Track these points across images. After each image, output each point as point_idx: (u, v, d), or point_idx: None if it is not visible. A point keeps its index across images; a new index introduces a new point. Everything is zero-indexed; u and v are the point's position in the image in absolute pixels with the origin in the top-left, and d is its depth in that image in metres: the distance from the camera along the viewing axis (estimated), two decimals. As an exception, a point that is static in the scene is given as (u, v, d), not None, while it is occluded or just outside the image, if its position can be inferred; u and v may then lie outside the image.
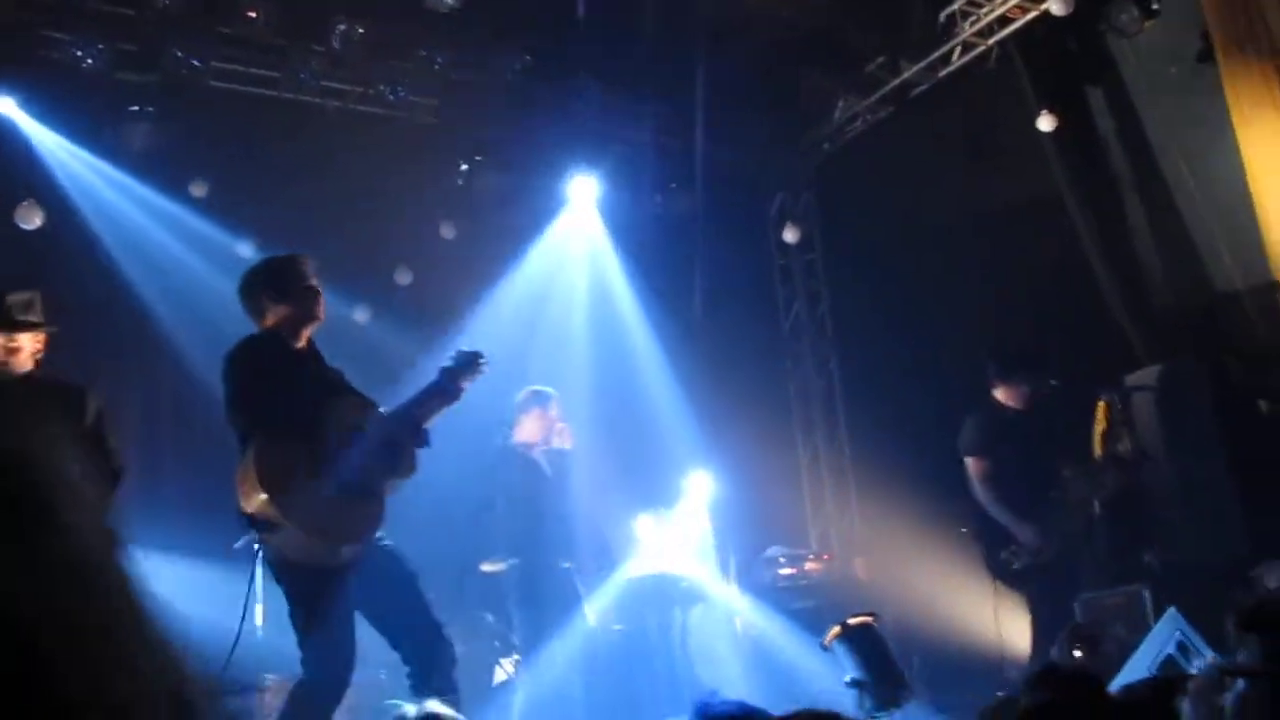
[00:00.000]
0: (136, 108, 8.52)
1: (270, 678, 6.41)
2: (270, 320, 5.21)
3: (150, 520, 6.78)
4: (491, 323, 9.30)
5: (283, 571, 4.92)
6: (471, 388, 5.40)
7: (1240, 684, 1.78)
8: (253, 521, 4.75)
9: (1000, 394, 7.76)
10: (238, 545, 7.17)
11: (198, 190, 8.77)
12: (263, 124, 9.03)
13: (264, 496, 4.70)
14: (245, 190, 8.87)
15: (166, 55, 8.34)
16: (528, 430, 7.43)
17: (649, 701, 7.38)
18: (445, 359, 5.42)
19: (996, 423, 7.68)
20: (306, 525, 4.76)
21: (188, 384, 8.51)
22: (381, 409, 5.22)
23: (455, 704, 4.90)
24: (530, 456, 7.35)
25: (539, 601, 7.04)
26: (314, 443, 4.86)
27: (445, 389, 5.30)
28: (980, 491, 7.54)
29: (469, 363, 5.38)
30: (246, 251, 8.95)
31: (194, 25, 8.42)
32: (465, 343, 5.79)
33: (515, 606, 7.23)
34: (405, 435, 5.16)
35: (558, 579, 7.10)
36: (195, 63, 8.42)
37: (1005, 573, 7.48)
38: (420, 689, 4.86)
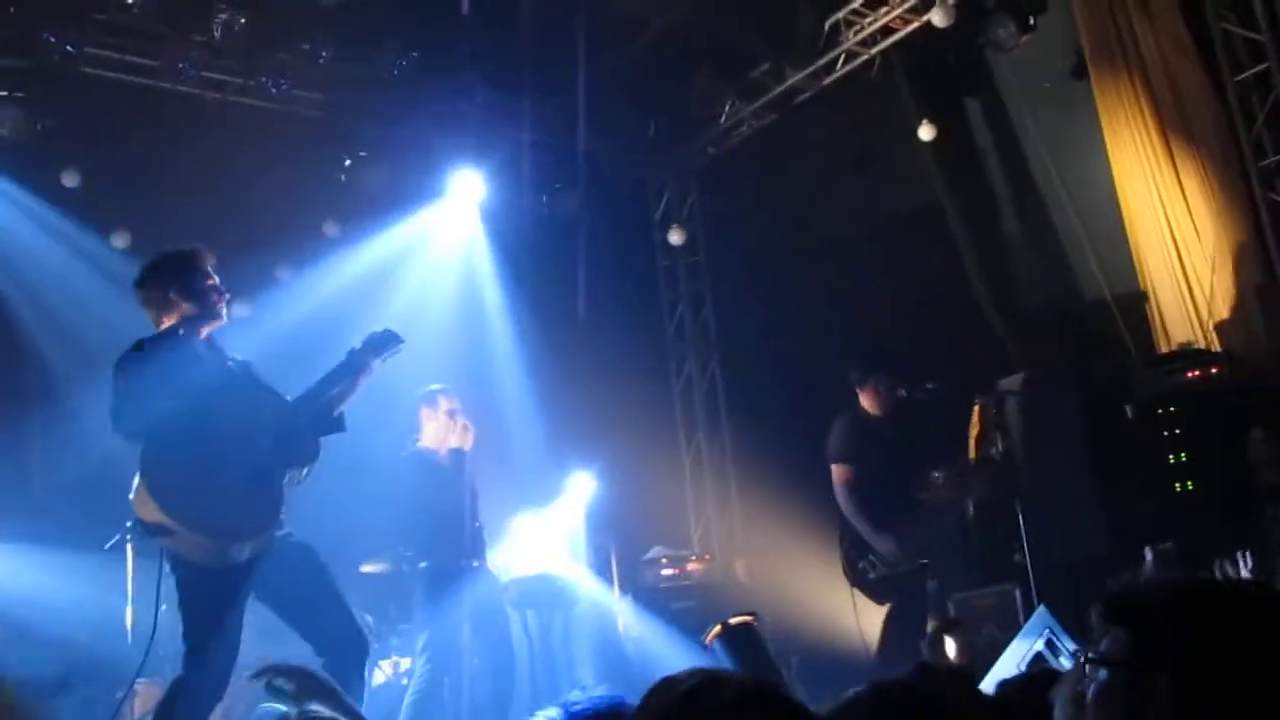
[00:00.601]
0: (5, 93, 8.25)
1: (140, 682, 6.25)
2: (170, 317, 5.04)
3: (14, 515, 6.59)
4: (361, 317, 9.16)
5: (176, 568, 4.81)
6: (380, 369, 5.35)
7: (1102, 674, 1.82)
8: (147, 527, 4.67)
9: (863, 400, 7.85)
10: (108, 546, 7.01)
11: (69, 180, 8.51)
12: (139, 114, 8.80)
13: (154, 503, 4.62)
14: (120, 182, 8.63)
15: (38, 40, 8.09)
16: (427, 432, 7.34)
17: (527, 702, 7.35)
18: (356, 340, 5.32)
19: (860, 429, 7.75)
20: (198, 527, 4.67)
21: (53, 384, 8.29)
22: (283, 397, 5.13)
23: (361, 699, 4.85)
24: (431, 459, 7.25)
25: (441, 602, 6.94)
26: (203, 443, 4.75)
27: (355, 368, 5.22)
28: (841, 499, 7.60)
29: (382, 345, 5.31)
30: (120, 245, 8.75)
31: (68, 9, 8.19)
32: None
33: (419, 609, 7.12)
34: (308, 422, 5.07)
35: (464, 579, 7.01)
36: (69, 48, 8.18)
37: (863, 581, 7.56)
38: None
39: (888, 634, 7.44)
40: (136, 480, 4.69)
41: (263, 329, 8.37)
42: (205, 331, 5.10)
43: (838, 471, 7.62)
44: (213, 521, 4.71)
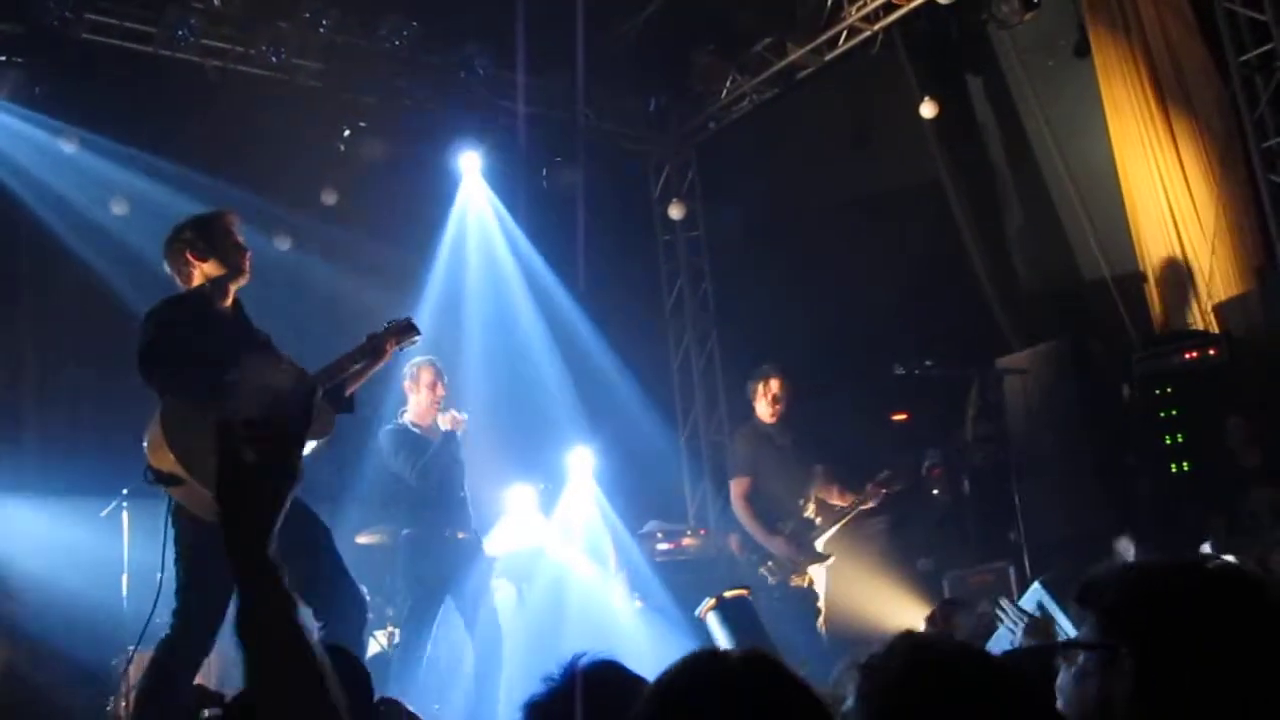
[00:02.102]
0: (4, 58, 8.18)
1: (132, 649, 6.25)
2: (196, 277, 5.17)
3: (11, 466, 6.59)
4: (376, 292, 9.19)
5: (178, 522, 4.83)
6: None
7: (1079, 657, 1.85)
8: (159, 476, 4.72)
9: (758, 410, 7.95)
10: (104, 513, 7.01)
11: (68, 145, 8.46)
12: (138, 81, 8.73)
13: (169, 452, 4.68)
14: (118, 148, 8.58)
15: (36, 4, 8.01)
16: (410, 405, 7.34)
17: (521, 674, 7.35)
18: (376, 327, 5.47)
19: (758, 440, 7.87)
20: (209, 480, 4.67)
21: (55, 336, 8.28)
22: (302, 368, 5.19)
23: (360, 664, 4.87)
24: (412, 433, 7.25)
25: (423, 574, 6.97)
26: (222, 399, 4.75)
27: (371, 354, 5.36)
28: (738, 510, 7.75)
29: (401, 332, 5.49)
30: (118, 211, 8.71)
31: (67, -27, 8.11)
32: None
33: (401, 578, 7.17)
34: (324, 397, 5.14)
35: (455, 555, 7.03)
36: (67, 14, 8.11)
37: (764, 586, 7.61)
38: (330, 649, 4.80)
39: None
40: (153, 428, 4.73)
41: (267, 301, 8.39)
42: (232, 290, 5.21)
43: (736, 484, 7.84)
44: None
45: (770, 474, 7.73)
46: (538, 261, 10.29)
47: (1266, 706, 1.70)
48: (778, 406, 7.85)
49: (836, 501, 7.95)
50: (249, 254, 5.25)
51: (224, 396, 4.78)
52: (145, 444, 4.80)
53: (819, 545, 7.72)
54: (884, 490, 7.79)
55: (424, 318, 9.05)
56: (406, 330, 5.54)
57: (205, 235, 5.19)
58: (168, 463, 4.69)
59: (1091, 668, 1.81)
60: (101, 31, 8.49)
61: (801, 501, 7.80)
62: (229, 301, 5.21)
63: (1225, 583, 1.83)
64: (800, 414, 8.35)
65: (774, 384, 7.85)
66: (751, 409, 7.99)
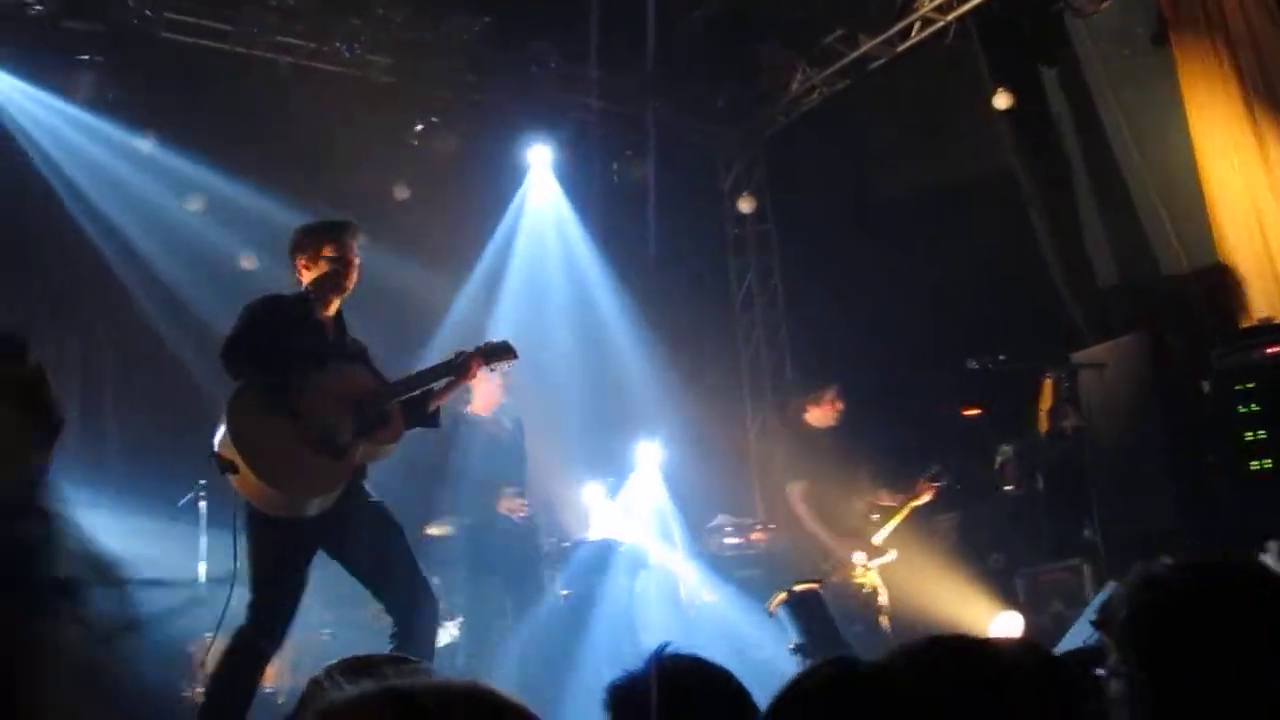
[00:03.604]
0: (85, 56, 8.34)
1: (208, 635, 6.36)
2: (305, 279, 5.32)
3: (92, 471, 6.70)
4: (449, 289, 9.31)
5: (243, 514, 4.95)
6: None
7: (1112, 685, 1.82)
8: (218, 460, 4.88)
9: (810, 415, 7.97)
10: (181, 502, 7.14)
11: (145, 144, 8.61)
12: (214, 78, 8.86)
13: (229, 437, 4.85)
14: (194, 145, 8.70)
15: (116, 4, 8.17)
16: (475, 396, 7.41)
17: (591, 667, 7.39)
18: (475, 346, 5.58)
19: (807, 446, 7.90)
20: (264, 472, 4.85)
21: (130, 337, 8.43)
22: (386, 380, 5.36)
23: (430, 660, 4.97)
24: (472, 423, 7.34)
25: (486, 565, 7.05)
26: (293, 397, 4.95)
27: (459, 369, 5.46)
28: (798, 515, 7.75)
29: (495, 354, 5.60)
30: (195, 208, 8.85)
31: (145, -27, 8.25)
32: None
33: (463, 569, 7.25)
34: (400, 409, 5.27)
35: (510, 544, 7.10)
36: (146, 12, 8.26)
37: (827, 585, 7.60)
38: (402, 646, 4.88)
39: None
40: (223, 414, 4.93)
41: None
42: (334, 301, 5.35)
43: (791, 490, 7.84)
44: (277, 473, 4.88)
45: (824, 476, 7.77)
46: (606, 256, 10.30)
47: None
48: (838, 416, 7.93)
49: (887, 501, 7.96)
50: (354, 271, 5.36)
51: (286, 399, 4.95)
52: (218, 432, 4.94)
53: (878, 542, 7.73)
54: (934, 485, 7.78)
55: (500, 316, 9.22)
56: (500, 352, 5.62)
57: (317, 243, 5.33)
58: (229, 451, 4.85)
59: (1119, 695, 1.78)
60: (179, 30, 8.63)
61: (857, 502, 7.80)
62: (329, 311, 5.34)
63: (1243, 590, 1.77)
64: (873, 409, 8.33)
65: (841, 394, 8.01)
66: (799, 414, 8.04)
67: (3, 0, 7.90)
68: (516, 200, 10.27)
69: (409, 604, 5.10)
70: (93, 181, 8.48)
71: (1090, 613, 5.92)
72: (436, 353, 5.85)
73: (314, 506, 4.95)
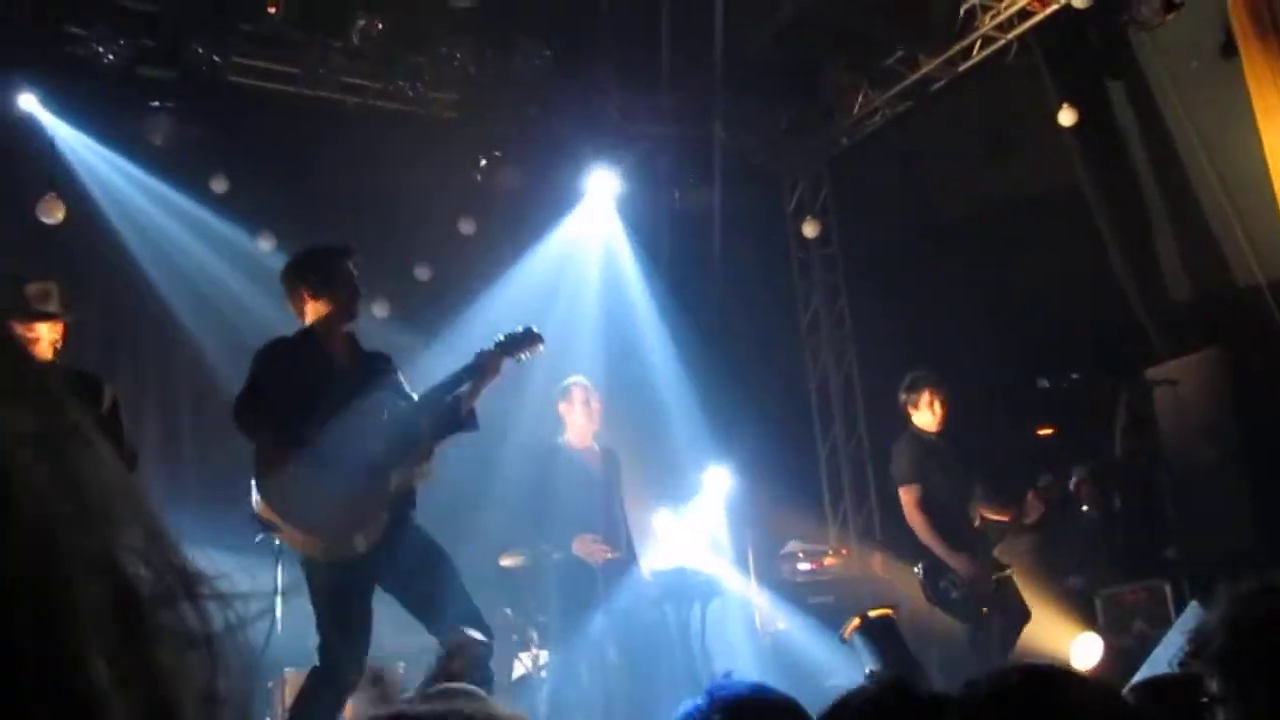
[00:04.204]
0: (157, 103, 8.53)
1: (288, 670, 6.42)
2: (309, 314, 5.17)
3: (168, 509, 6.79)
4: (503, 316, 9.31)
5: (301, 563, 4.98)
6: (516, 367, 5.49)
7: (1219, 713, 1.77)
8: (260, 521, 4.89)
9: (916, 418, 7.74)
10: (258, 539, 7.22)
11: (218, 185, 8.78)
12: (282, 119, 9.05)
13: (260, 498, 4.81)
14: (265, 186, 8.87)
15: (187, 50, 8.35)
16: (569, 427, 7.42)
17: (667, 696, 7.36)
18: (496, 336, 5.40)
19: (921, 447, 7.65)
20: (301, 524, 4.82)
21: (204, 376, 8.57)
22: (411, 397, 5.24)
23: (489, 693, 4.94)
24: (569, 452, 7.34)
25: (574, 596, 7.01)
26: (315, 443, 4.87)
27: (480, 369, 5.24)
28: (915, 521, 7.48)
29: (520, 343, 5.40)
30: (266, 247, 9.00)
31: (214, 20, 8.44)
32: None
33: (553, 600, 7.20)
34: (429, 423, 5.15)
35: (598, 573, 7.06)
36: (215, 58, 8.43)
37: (945, 601, 7.41)
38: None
39: (977, 654, 7.31)
40: (252, 474, 4.88)
41: (405, 332, 8.59)
42: (342, 331, 5.21)
43: (907, 493, 7.54)
44: (313, 519, 4.84)
45: (937, 483, 7.53)
46: (671, 283, 10.29)
47: None
48: (940, 414, 7.67)
49: (994, 516, 7.78)
50: (359, 294, 5.24)
51: (308, 444, 4.87)
52: (252, 491, 4.90)
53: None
54: (1046, 500, 7.56)
55: (553, 333, 9.22)
56: (525, 341, 5.42)
57: (321, 272, 5.18)
58: (263, 511, 4.82)
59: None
60: (247, 74, 8.82)
61: (971, 513, 7.63)
62: (339, 342, 5.20)
63: None
64: (946, 429, 8.23)
65: (936, 392, 7.68)
66: (907, 419, 7.81)
67: (78, 51, 8.08)
68: (565, 227, 10.23)
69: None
70: (168, 222, 8.66)
71: (1174, 633, 5.82)
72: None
73: (360, 543, 4.90)
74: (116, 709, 0.53)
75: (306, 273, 5.21)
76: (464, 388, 5.26)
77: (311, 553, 4.91)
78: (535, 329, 5.49)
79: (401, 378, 5.39)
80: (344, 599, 4.93)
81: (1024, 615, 7.46)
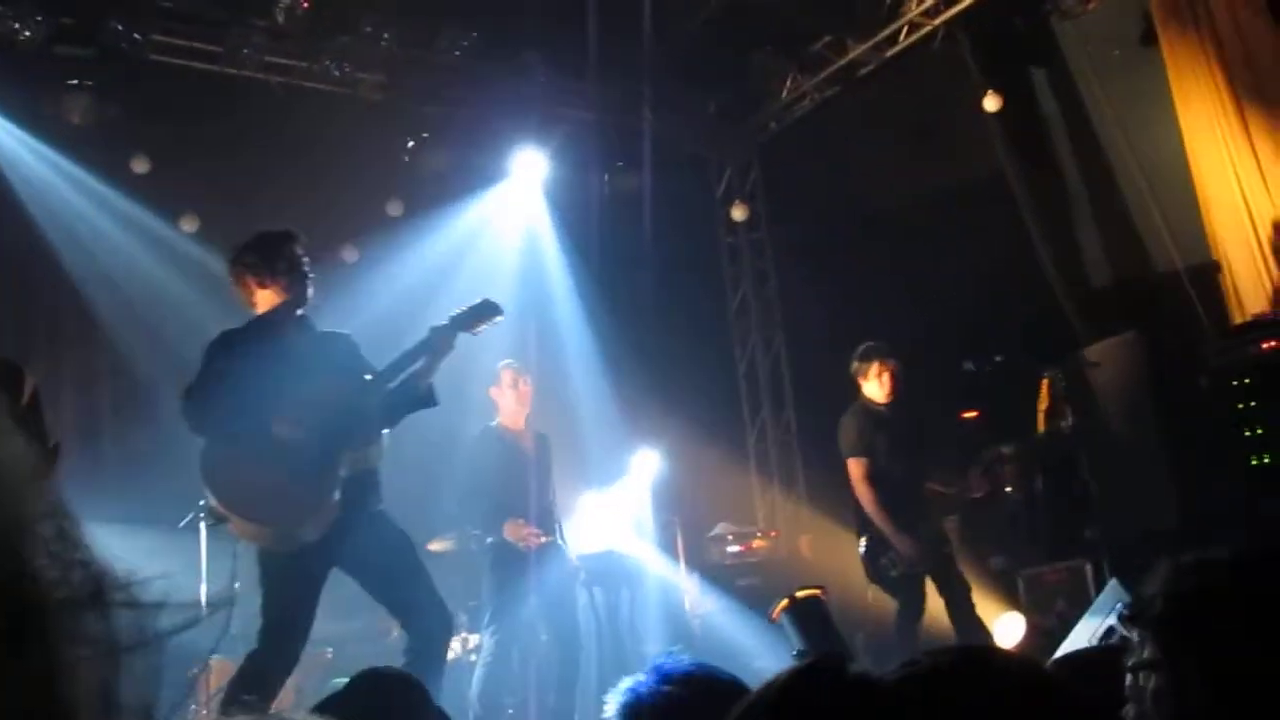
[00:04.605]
0: (75, 81, 8.37)
1: (214, 659, 6.35)
2: (259, 303, 5.08)
3: (89, 495, 6.69)
4: (408, 290, 9.22)
5: (257, 552, 4.99)
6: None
7: (1152, 681, 1.81)
8: (212, 513, 5.00)
9: (866, 389, 7.72)
10: (182, 524, 7.13)
11: (139, 166, 8.64)
12: (205, 99, 8.90)
13: (209, 490, 4.78)
14: (187, 166, 8.77)
15: (105, 28, 8.21)
16: (501, 410, 7.38)
17: (594, 678, 7.39)
18: (454, 310, 5.28)
19: (870, 420, 7.65)
20: (252, 515, 4.80)
21: (124, 361, 8.44)
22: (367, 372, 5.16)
23: (440, 674, 4.98)
24: (499, 435, 7.31)
25: (505, 581, 6.99)
26: (251, 433, 4.82)
27: (433, 345, 5.15)
28: (861, 495, 7.49)
29: (478, 315, 5.27)
30: (189, 228, 8.89)
31: (134, -3, 8.30)
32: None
33: (484, 585, 7.17)
34: (384, 401, 5.10)
35: (529, 556, 7.03)
36: (135, 36, 8.29)
37: (883, 578, 7.48)
38: (418, 661, 4.87)
39: (901, 636, 7.39)
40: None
41: (330, 313, 8.48)
42: (294, 315, 5.13)
43: (855, 465, 7.54)
44: (261, 509, 4.81)
45: (884, 455, 7.53)
46: (600, 266, 10.28)
47: None
48: (891, 386, 7.62)
49: (940, 489, 7.83)
50: (310, 278, 5.15)
51: (255, 430, 4.82)
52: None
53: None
54: (990, 477, 7.58)
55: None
56: (481, 314, 5.28)
57: (267, 258, 5.07)
58: (212, 502, 4.82)
59: (1163, 686, 1.77)
60: (168, 52, 8.67)
61: (920, 486, 7.64)
62: (291, 327, 5.12)
63: (1264, 569, 1.80)
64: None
65: (886, 363, 7.62)
66: (857, 390, 7.75)
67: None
68: (481, 203, 10.15)
69: (423, 619, 5.07)
70: (84, 204, 8.50)
71: (1093, 612, 5.94)
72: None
73: (310, 531, 4.86)
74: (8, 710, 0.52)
75: (252, 260, 5.09)
76: (418, 364, 5.16)
77: (262, 543, 4.88)
78: (492, 300, 5.35)
79: (362, 354, 5.31)
80: (293, 586, 4.90)
81: (967, 588, 7.52)
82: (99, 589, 0.61)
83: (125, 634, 0.62)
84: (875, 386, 7.64)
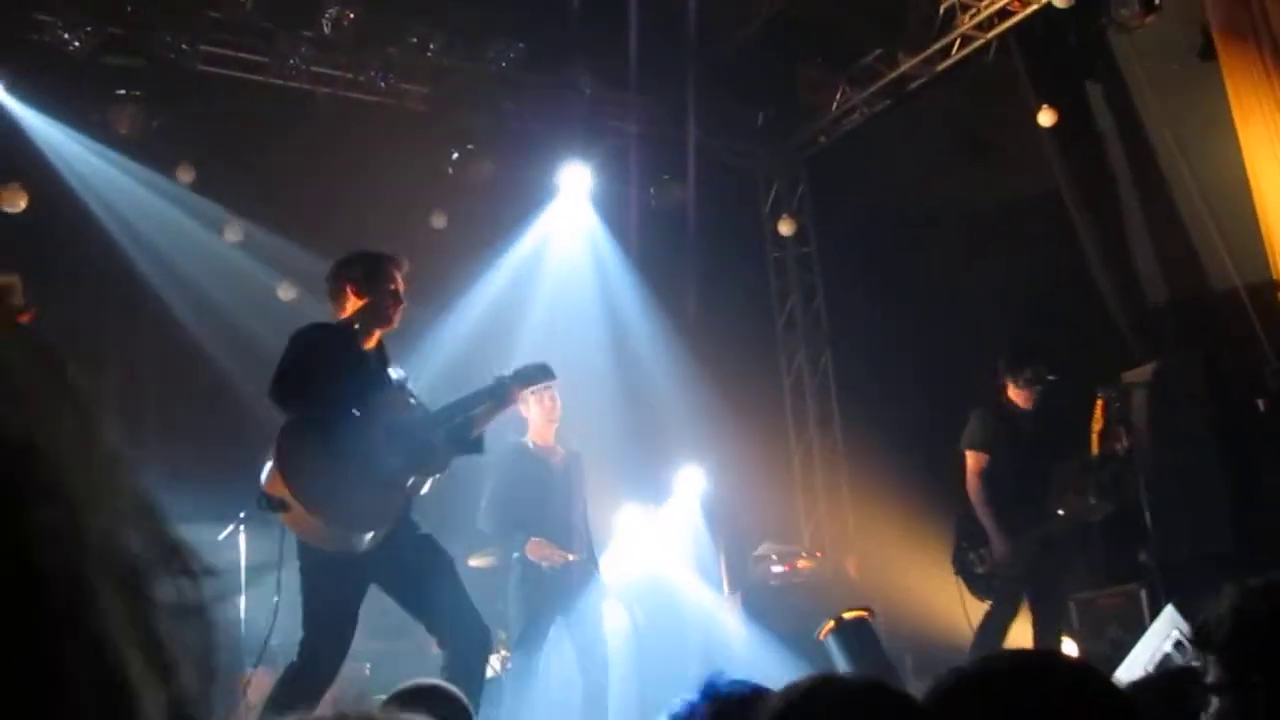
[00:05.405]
0: (124, 91, 8.48)
1: (251, 669, 6.39)
2: (347, 310, 5.31)
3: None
4: (480, 312, 9.32)
5: (298, 554, 5.00)
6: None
7: (1215, 703, 1.80)
8: (268, 499, 4.88)
9: (1010, 391, 7.72)
10: (223, 535, 7.18)
11: (184, 175, 8.74)
12: (251, 109, 9.02)
13: (281, 472, 4.83)
14: (233, 176, 8.84)
15: (154, 39, 8.32)
16: (530, 425, 7.41)
17: (635, 700, 7.38)
18: (509, 369, 5.56)
19: (1002, 420, 7.65)
20: (316, 508, 4.85)
21: (171, 366, 8.53)
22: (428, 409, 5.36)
23: (480, 691, 4.99)
24: (527, 450, 7.34)
25: (534, 598, 7.02)
26: (340, 434, 4.96)
27: (498, 395, 5.44)
28: (972, 488, 7.51)
29: (532, 377, 5.60)
30: (234, 237, 8.97)
31: (182, 8, 8.42)
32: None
33: (511, 602, 7.21)
34: (443, 438, 5.28)
35: (559, 575, 7.05)
36: (183, 46, 8.40)
37: (968, 573, 7.47)
38: (455, 679, 4.90)
39: (978, 636, 7.36)
40: (272, 452, 4.90)
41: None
42: (377, 333, 5.35)
43: (972, 459, 7.55)
44: (330, 507, 4.89)
45: (1006, 455, 7.52)
46: (644, 282, 10.31)
47: None
48: (1034, 393, 7.60)
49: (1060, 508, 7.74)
50: (403, 306, 5.36)
51: (345, 432, 4.95)
52: (264, 469, 4.94)
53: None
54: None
55: (521, 335, 9.24)
56: (537, 375, 5.65)
57: (370, 273, 5.31)
58: (279, 488, 4.83)
59: (1229, 709, 1.76)
60: (216, 63, 8.78)
61: (1039, 495, 7.51)
62: (372, 343, 5.34)
63: None
64: (920, 432, 8.24)
65: (1037, 371, 7.58)
66: (1001, 387, 7.74)
67: (44, 38, 8.03)
68: (541, 223, 10.25)
69: (461, 637, 5.13)
70: (133, 212, 8.61)
71: (1149, 638, 5.87)
72: (466, 381, 5.83)
73: (367, 541, 4.96)
74: (144, 686, 0.54)
75: (357, 269, 5.34)
76: (478, 409, 5.43)
77: (314, 539, 4.92)
78: (548, 365, 5.70)
79: (412, 397, 5.50)
80: (335, 591, 4.99)
81: (1059, 618, 7.49)
82: (179, 557, 0.63)
83: (208, 599, 0.64)
84: (1025, 392, 7.64)
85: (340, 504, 4.91)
